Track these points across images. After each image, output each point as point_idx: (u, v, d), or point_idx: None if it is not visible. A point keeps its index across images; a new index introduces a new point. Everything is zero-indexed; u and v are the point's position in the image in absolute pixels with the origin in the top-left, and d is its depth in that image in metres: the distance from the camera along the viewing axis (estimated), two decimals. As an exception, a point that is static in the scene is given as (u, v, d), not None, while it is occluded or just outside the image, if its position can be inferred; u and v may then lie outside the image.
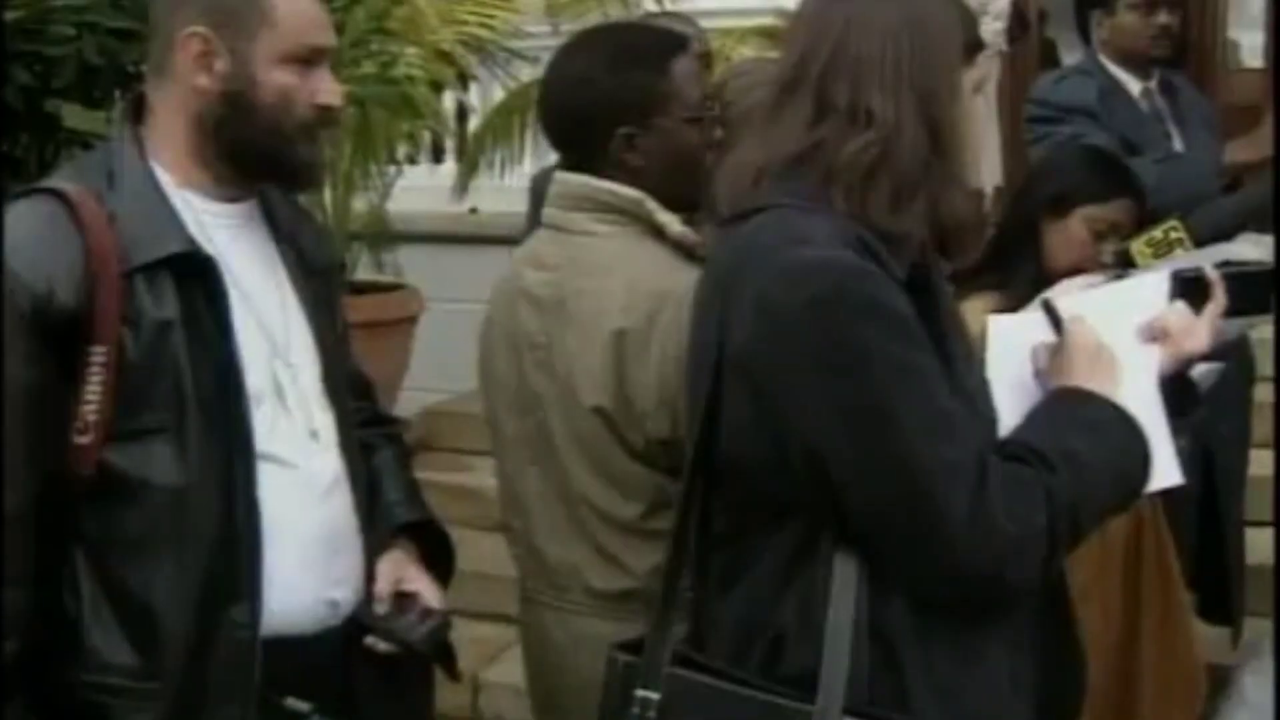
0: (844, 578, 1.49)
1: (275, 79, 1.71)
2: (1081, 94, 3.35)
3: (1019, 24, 5.22)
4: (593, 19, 5.12)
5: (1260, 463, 3.56)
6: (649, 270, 1.94)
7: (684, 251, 1.99)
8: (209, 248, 1.71)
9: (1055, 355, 1.66)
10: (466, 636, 2.24)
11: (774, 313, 1.48)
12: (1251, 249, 2.07)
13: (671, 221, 2.00)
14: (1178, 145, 3.37)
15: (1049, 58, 5.79)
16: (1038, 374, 1.66)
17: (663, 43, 2.08)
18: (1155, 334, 1.70)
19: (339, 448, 1.82)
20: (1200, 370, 2.58)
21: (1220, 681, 1.29)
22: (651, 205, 1.98)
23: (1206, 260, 1.85)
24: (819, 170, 1.55)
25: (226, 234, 1.76)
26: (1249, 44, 6.53)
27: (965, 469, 1.45)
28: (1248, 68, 6.39)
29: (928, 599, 1.51)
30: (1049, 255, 2.60)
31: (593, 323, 1.93)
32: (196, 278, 1.68)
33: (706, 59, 3.23)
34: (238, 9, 1.70)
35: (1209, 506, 3.25)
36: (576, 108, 2.01)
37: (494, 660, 3.96)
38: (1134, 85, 3.42)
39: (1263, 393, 3.49)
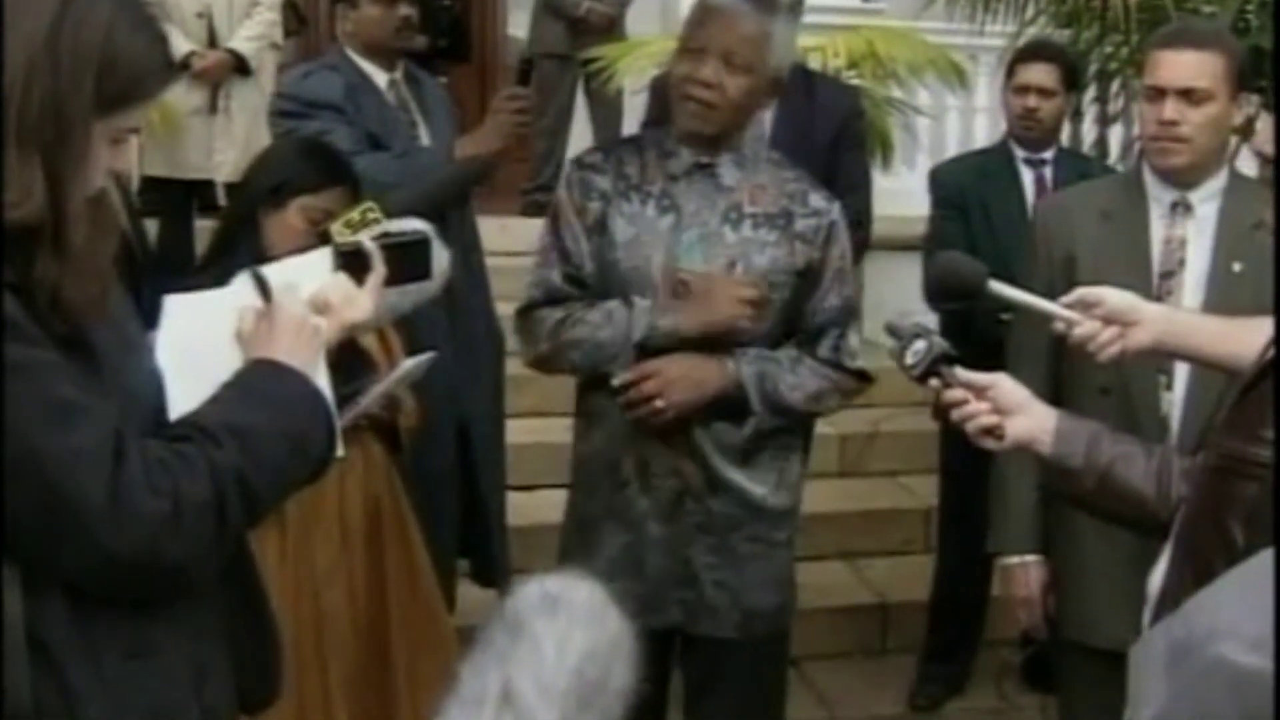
0: None
1: None
2: (327, 89, 3.36)
3: (296, 18, 5.24)
4: None
5: (518, 431, 3.85)
6: None
7: None
8: None
9: (262, 322, 1.66)
10: None
11: None
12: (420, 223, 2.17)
13: None
14: (424, 137, 3.48)
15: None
16: (239, 337, 1.66)
17: None
18: (318, 307, 1.73)
19: None
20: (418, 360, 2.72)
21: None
22: None
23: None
24: None
25: None
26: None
27: (97, 454, 1.42)
28: (526, 64, 6.82)
29: (88, 595, 1.47)
30: (269, 245, 2.62)
31: None
32: None
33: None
34: None
35: (469, 476, 3.45)
36: None
37: None
38: (380, 78, 3.47)
39: (513, 367, 3.72)
